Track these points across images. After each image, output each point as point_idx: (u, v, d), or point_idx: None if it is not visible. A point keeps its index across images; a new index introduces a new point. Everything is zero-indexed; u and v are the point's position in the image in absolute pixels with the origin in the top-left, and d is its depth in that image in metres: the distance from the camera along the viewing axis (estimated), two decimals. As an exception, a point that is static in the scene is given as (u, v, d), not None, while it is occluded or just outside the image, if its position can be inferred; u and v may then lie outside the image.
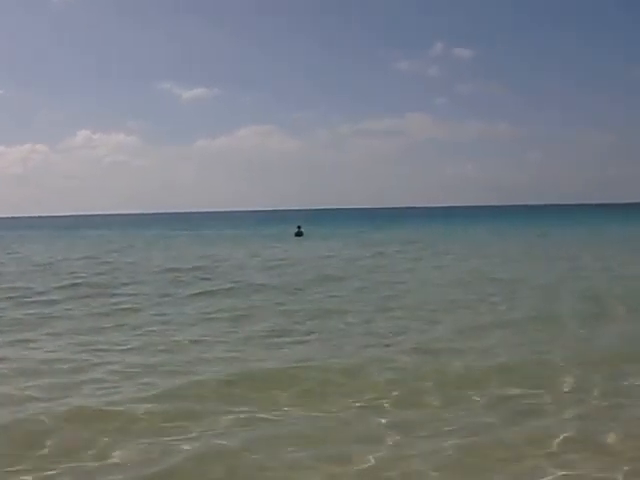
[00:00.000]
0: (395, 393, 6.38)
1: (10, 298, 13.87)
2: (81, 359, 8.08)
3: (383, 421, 5.66)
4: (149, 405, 6.04)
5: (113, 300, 13.80)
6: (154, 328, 10.36)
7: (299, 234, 40.27)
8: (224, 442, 5.19)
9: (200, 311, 12.05)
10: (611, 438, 5.18)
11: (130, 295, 14.26)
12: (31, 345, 9.18)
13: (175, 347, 8.68)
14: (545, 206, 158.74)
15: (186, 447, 5.12)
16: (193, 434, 5.36)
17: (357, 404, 6.08)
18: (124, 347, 8.92)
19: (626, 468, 4.64)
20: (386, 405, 6.11)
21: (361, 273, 17.57)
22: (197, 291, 14.40)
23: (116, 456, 5.03)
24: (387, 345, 8.37)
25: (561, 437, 5.17)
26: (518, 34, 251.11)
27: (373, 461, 4.86)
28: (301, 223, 43.99)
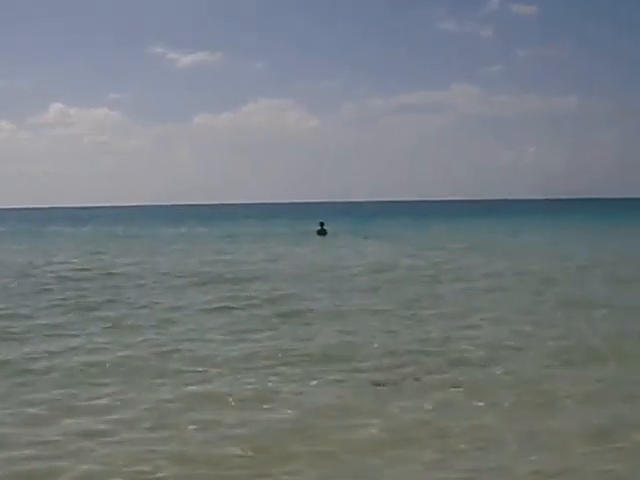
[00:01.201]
0: None
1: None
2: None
3: None
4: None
5: (98, 314, 14.04)
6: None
7: (322, 232, 40.70)
8: None
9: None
10: None
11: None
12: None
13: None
14: (626, 200, 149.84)
15: None
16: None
17: None
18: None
19: None
20: None
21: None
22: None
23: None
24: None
25: None
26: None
27: None
28: (324, 219, 44.51)
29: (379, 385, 8.32)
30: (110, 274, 21.65)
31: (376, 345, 10.55)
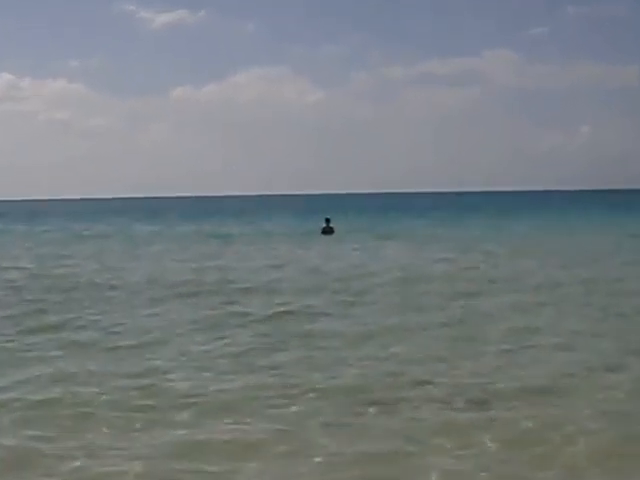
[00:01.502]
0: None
1: None
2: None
3: None
4: None
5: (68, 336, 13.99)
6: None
7: (328, 231, 41.12)
8: None
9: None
10: None
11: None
12: None
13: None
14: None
15: None
16: None
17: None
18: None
19: None
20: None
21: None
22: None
23: None
24: None
25: None
26: None
27: None
28: (330, 215, 44.95)
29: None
30: (74, 283, 21.64)
31: (425, 376, 10.50)
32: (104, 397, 9.58)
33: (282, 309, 16.52)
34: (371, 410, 9.00)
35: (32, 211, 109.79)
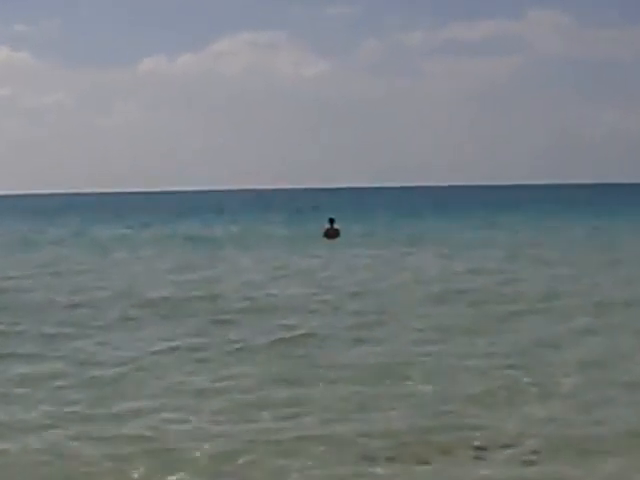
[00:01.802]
0: None
1: None
2: None
3: None
4: None
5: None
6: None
7: (332, 234, 41.03)
8: None
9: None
10: None
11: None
12: None
13: None
14: None
15: None
16: None
17: None
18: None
19: None
20: None
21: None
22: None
23: None
24: None
25: None
26: None
27: None
28: (334, 213, 45.06)
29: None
30: (24, 301, 21.45)
31: (467, 424, 10.34)
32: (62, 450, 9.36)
33: (286, 334, 16.46)
34: (393, 466, 8.88)
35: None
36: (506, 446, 9.39)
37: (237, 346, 15.33)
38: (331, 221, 41.95)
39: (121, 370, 13.56)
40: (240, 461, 8.96)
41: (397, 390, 11.96)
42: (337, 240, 40.03)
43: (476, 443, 9.45)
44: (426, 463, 8.91)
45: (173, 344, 15.60)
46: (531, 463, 8.82)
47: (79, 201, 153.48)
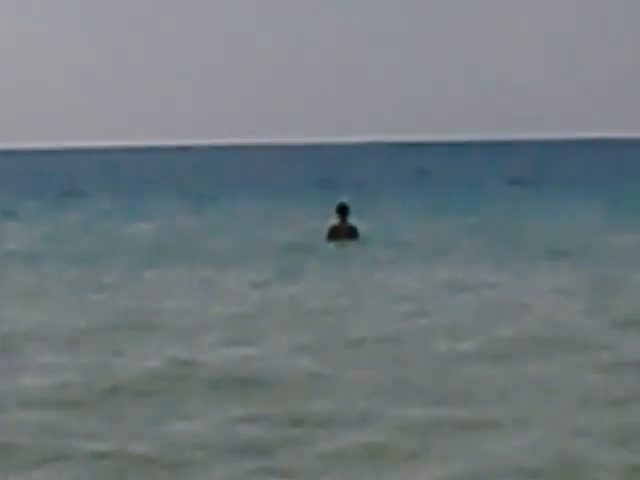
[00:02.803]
0: None
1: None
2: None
3: None
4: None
5: None
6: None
7: (344, 233, 31.45)
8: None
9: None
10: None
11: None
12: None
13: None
14: None
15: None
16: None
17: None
18: None
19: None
20: None
21: None
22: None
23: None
24: None
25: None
26: None
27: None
28: (345, 197, 41.42)
29: None
30: None
31: None
32: None
33: (308, 421, 11.91)
34: None
35: None
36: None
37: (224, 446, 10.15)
38: (342, 210, 31.36)
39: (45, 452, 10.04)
40: None
41: None
42: (353, 246, 29.59)
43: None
44: None
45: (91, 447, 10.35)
46: None
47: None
